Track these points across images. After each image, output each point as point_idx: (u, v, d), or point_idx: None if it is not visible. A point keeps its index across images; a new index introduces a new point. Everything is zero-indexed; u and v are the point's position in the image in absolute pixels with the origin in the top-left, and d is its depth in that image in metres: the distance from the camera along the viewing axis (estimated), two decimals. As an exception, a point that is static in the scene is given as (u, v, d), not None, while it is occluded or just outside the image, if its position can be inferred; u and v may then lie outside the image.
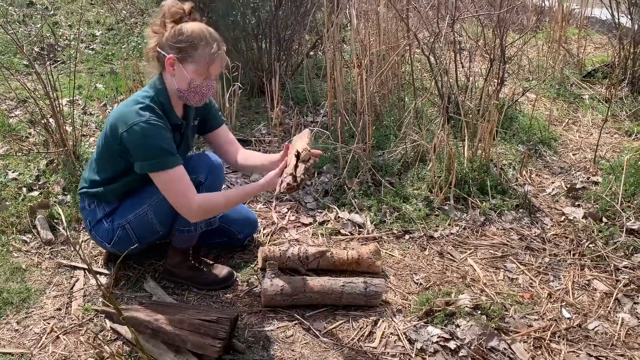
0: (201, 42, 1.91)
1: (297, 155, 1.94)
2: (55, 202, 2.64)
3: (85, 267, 2.28)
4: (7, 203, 2.58)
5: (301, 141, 2.06)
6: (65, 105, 3.39)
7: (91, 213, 2.13)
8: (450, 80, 3.54)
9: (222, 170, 2.16)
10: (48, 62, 3.84)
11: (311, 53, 4.29)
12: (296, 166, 1.93)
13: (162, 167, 1.89)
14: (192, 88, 1.97)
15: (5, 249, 2.34)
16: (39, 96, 3.02)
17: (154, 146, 1.88)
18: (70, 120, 3.05)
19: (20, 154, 2.99)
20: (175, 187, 1.91)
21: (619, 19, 4.25)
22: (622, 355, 1.99)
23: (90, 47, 4.69)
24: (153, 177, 1.92)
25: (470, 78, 3.65)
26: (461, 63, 3.65)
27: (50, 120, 2.98)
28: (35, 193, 2.70)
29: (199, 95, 2.00)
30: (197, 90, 1.98)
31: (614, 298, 2.28)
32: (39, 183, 2.78)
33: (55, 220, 2.52)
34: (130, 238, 2.09)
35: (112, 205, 2.10)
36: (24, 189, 2.71)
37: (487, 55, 3.54)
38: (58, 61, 4.27)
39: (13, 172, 2.82)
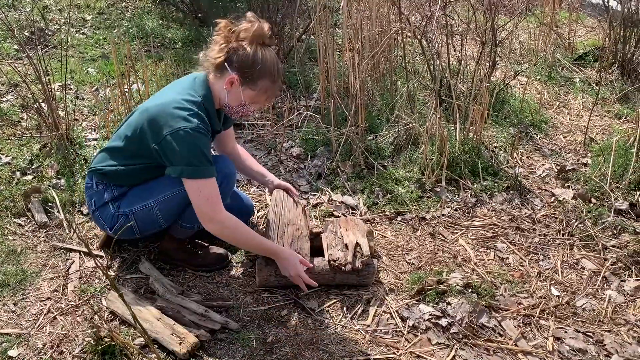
0: (269, 74, 1.94)
1: (356, 246, 2.14)
2: (49, 185, 2.64)
3: (82, 249, 2.29)
4: (1, 187, 2.59)
5: (361, 230, 2.24)
6: (57, 89, 3.38)
7: (98, 194, 2.10)
8: (442, 63, 3.56)
9: (235, 179, 2.17)
10: (39, 47, 3.82)
11: (303, 37, 4.28)
12: (354, 255, 2.10)
13: (201, 176, 1.88)
14: (240, 108, 2.01)
15: (0, 232, 2.35)
16: (30, 80, 3.00)
17: (199, 154, 1.87)
18: (62, 104, 3.04)
19: (13, 138, 2.98)
20: (207, 197, 1.90)
21: (609, 2, 4.27)
22: (608, 331, 2.04)
23: (81, 31, 4.66)
24: (188, 182, 1.90)
25: (462, 61, 3.67)
26: (453, 46, 3.66)
27: (43, 104, 2.97)
28: (29, 177, 2.70)
29: (242, 115, 2.06)
30: (243, 111, 2.03)
31: (601, 276, 2.33)
32: (33, 167, 2.78)
33: (49, 204, 2.53)
34: (132, 227, 2.08)
35: (120, 190, 2.08)
36: (18, 173, 2.71)
37: (479, 39, 3.55)
38: (49, 46, 4.24)
39: (6, 157, 2.82)
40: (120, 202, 2.08)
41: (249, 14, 1.94)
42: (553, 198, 2.85)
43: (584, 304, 2.17)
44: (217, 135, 2.28)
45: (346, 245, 2.14)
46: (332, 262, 2.09)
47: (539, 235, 2.58)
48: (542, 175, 3.06)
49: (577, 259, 2.44)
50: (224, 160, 2.12)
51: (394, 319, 2.04)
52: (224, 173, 2.07)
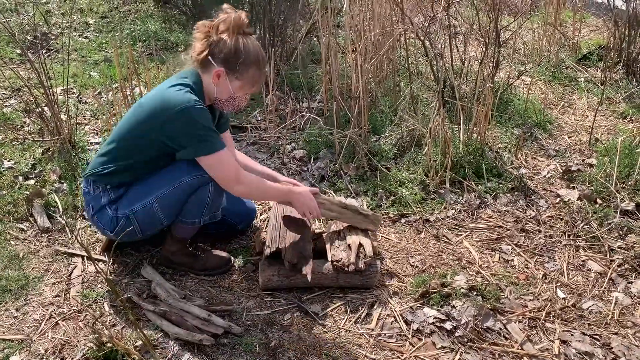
0: (255, 63, 1.95)
1: (359, 247, 2.13)
2: (51, 190, 2.64)
3: (84, 254, 2.29)
4: (4, 192, 2.58)
5: (363, 230, 2.24)
6: (60, 94, 3.38)
7: (95, 198, 2.08)
8: (446, 64, 3.54)
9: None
10: (42, 51, 3.82)
11: (305, 38, 4.27)
12: (357, 256, 2.09)
13: (215, 149, 1.93)
14: (231, 100, 2.01)
15: (2, 237, 2.34)
16: (33, 85, 3.00)
17: (204, 128, 1.90)
18: (65, 108, 3.04)
19: (15, 142, 2.98)
20: (228, 165, 1.97)
21: (614, 1, 4.24)
22: (615, 334, 2.01)
23: (84, 35, 4.67)
24: (205, 159, 1.94)
25: (466, 62, 3.65)
26: (456, 47, 3.64)
27: (45, 108, 2.97)
28: (32, 181, 2.70)
29: (234, 107, 2.06)
30: (234, 103, 2.03)
31: (608, 278, 2.30)
32: (35, 172, 2.77)
33: (52, 209, 2.53)
34: (134, 228, 2.07)
35: (117, 192, 2.06)
36: (20, 178, 2.71)
37: (482, 39, 3.53)
38: (51, 50, 4.24)
39: (9, 161, 2.82)
40: (118, 204, 2.06)
41: (225, 5, 1.95)
42: (558, 199, 2.83)
43: (590, 307, 2.15)
44: None
45: (349, 246, 2.13)
46: (335, 262, 2.08)
47: (544, 236, 2.56)
48: (547, 176, 3.03)
49: (583, 261, 2.41)
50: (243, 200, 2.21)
51: (398, 322, 2.02)
52: (245, 213, 2.18)
